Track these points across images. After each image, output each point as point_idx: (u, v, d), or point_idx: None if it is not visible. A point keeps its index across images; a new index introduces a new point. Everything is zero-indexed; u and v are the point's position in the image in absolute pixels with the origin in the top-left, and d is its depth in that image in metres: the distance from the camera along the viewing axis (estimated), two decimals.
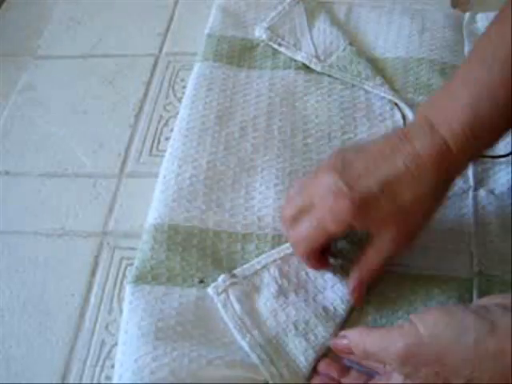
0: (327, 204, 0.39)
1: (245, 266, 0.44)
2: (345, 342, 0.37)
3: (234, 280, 0.43)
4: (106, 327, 0.43)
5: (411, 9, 0.62)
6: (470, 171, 0.48)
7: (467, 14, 0.61)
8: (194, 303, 0.42)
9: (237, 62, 0.58)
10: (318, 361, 0.39)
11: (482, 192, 0.47)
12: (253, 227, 0.46)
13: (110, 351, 0.42)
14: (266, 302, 0.42)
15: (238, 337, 0.40)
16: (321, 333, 0.40)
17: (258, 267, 0.44)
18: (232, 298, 0.42)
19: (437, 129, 0.39)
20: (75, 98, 0.59)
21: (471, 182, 0.48)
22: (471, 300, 0.41)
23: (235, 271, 0.43)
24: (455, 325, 0.31)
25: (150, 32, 0.65)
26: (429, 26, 0.60)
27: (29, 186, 0.53)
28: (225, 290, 0.42)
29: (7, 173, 0.54)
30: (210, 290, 0.42)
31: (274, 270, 0.43)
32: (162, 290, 0.42)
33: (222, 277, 0.43)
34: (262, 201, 0.48)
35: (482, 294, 0.41)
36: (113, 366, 0.41)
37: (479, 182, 0.48)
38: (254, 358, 0.39)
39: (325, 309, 0.41)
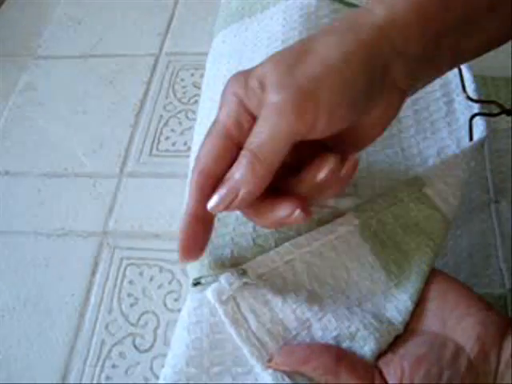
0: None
1: (258, 259, 0.32)
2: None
3: (244, 280, 0.30)
4: (106, 327, 0.43)
5: None
6: (489, 182, 0.46)
7: None
8: (207, 330, 0.30)
9: (248, 13, 0.49)
10: None
11: (503, 204, 0.45)
12: None
13: (110, 351, 0.42)
14: (295, 309, 0.30)
15: (259, 365, 0.29)
16: (372, 350, 0.29)
17: (278, 261, 0.32)
18: (243, 307, 0.30)
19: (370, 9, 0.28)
20: (75, 97, 0.59)
21: (491, 193, 0.45)
22: (507, 316, 0.39)
23: (244, 266, 0.31)
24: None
25: (150, 32, 0.65)
26: None
27: (29, 186, 0.53)
28: (232, 297, 0.30)
29: (7, 173, 0.54)
30: (208, 294, 0.30)
31: (300, 267, 0.31)
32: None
33: (224, 275, 0.30)
34: None
35: None
36: (113, 366, 0.41)
37: (500, 193, 0.45)
38: None
39: (375, 317, 0.30)
